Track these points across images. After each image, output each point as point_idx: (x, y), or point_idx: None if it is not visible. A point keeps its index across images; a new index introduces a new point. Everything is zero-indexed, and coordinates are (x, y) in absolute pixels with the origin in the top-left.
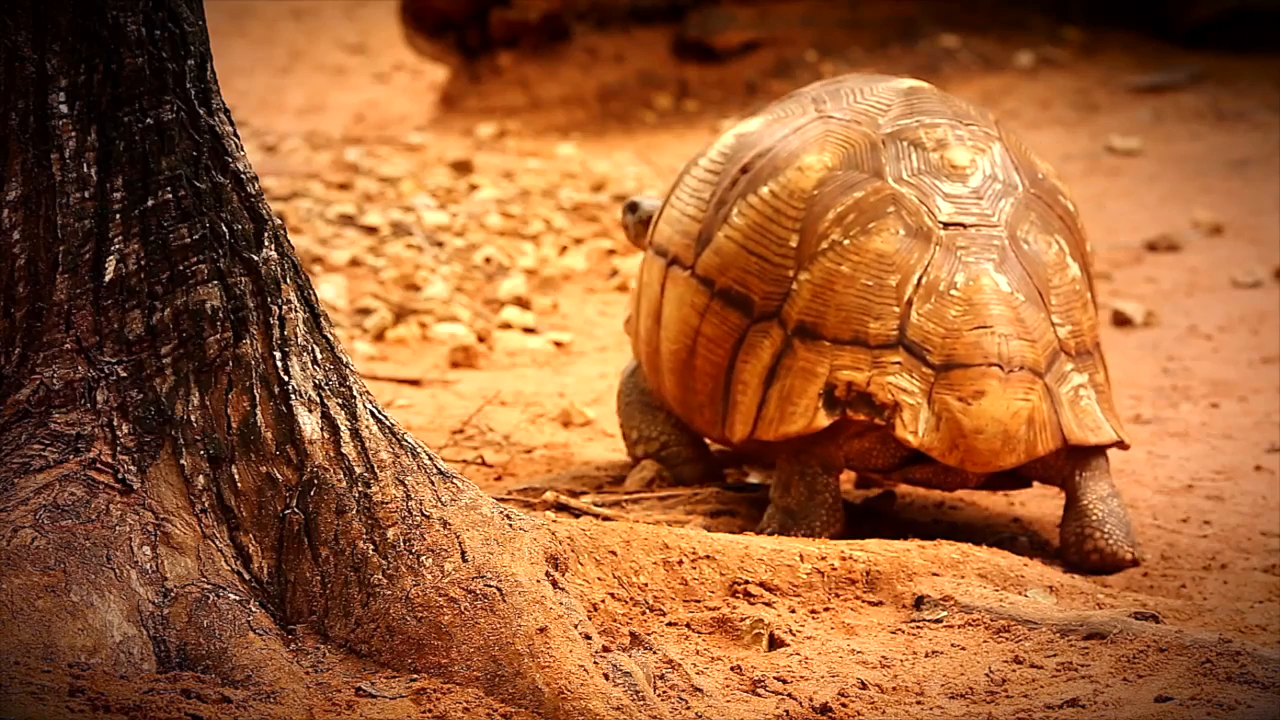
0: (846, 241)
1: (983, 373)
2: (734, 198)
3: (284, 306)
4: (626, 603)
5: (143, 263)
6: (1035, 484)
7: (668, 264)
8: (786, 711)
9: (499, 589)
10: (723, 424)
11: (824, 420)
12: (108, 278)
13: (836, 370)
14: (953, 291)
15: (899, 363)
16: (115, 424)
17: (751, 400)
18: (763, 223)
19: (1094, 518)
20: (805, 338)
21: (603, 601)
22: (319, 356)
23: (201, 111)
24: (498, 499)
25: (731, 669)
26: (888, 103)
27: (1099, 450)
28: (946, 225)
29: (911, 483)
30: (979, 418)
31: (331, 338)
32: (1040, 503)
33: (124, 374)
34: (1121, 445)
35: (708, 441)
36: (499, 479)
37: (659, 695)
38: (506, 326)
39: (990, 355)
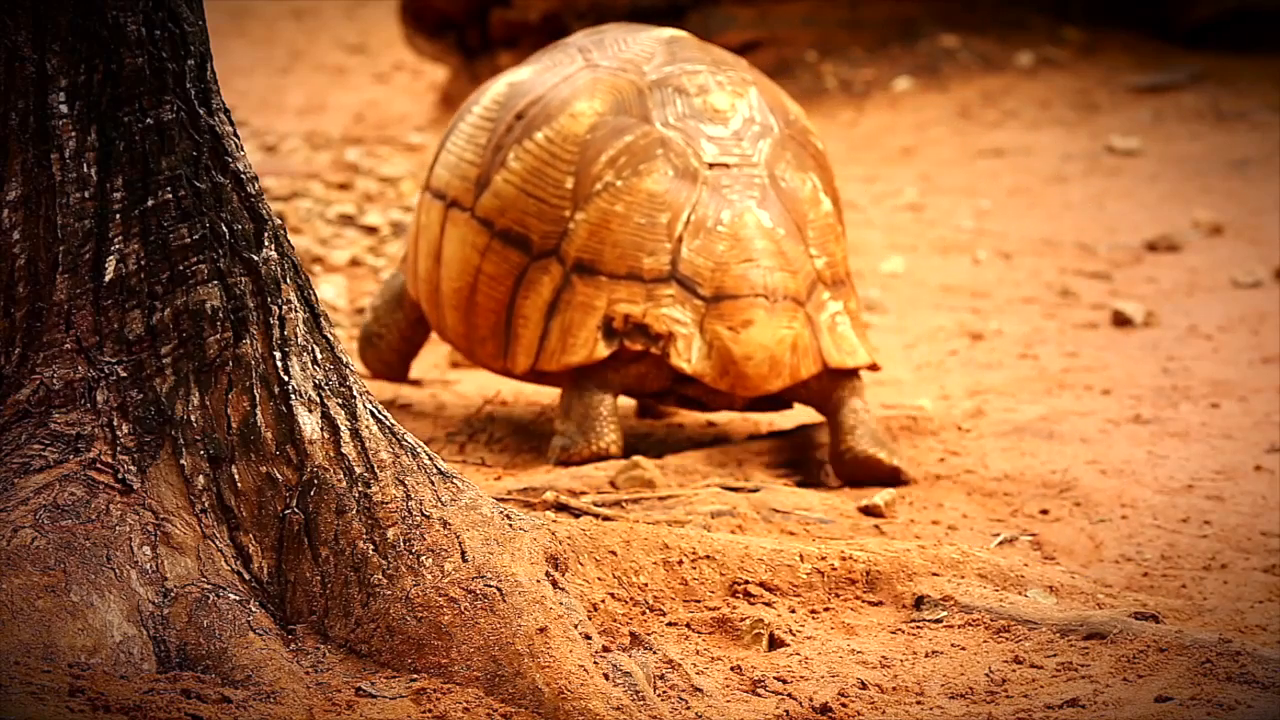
0: (619, 183)
1: (750, 303)
2: (510, 143)
3: (284, 306)
4: (626, 603)
5: (143, 263)
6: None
7: (447, 206)
8: (786, 711)
9: (499, 589)
10: (505, 356)
11: (604, 351)
12: (108, 278)
13: (614, 304)
14: (719, 228)
15: (672, 295)
16: (115, 424)
17: (533, 333)
18: (539, 166)
19: (849, 428)
20: (584, 274)
21: (603, 601)
22: (319, 356)
23: (201, 111)
24: (498, 499)
25: (731, 669)
26: (651, 51)
27: (854, 372)
28: (711, 166)
29: (683, 404)
30: (748, 345)
31: (331, 338)
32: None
33: (124, 374)
34: (873, 367)
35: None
36: (499, 479)
37: (659, 695)
38: None
39: (756, 287)
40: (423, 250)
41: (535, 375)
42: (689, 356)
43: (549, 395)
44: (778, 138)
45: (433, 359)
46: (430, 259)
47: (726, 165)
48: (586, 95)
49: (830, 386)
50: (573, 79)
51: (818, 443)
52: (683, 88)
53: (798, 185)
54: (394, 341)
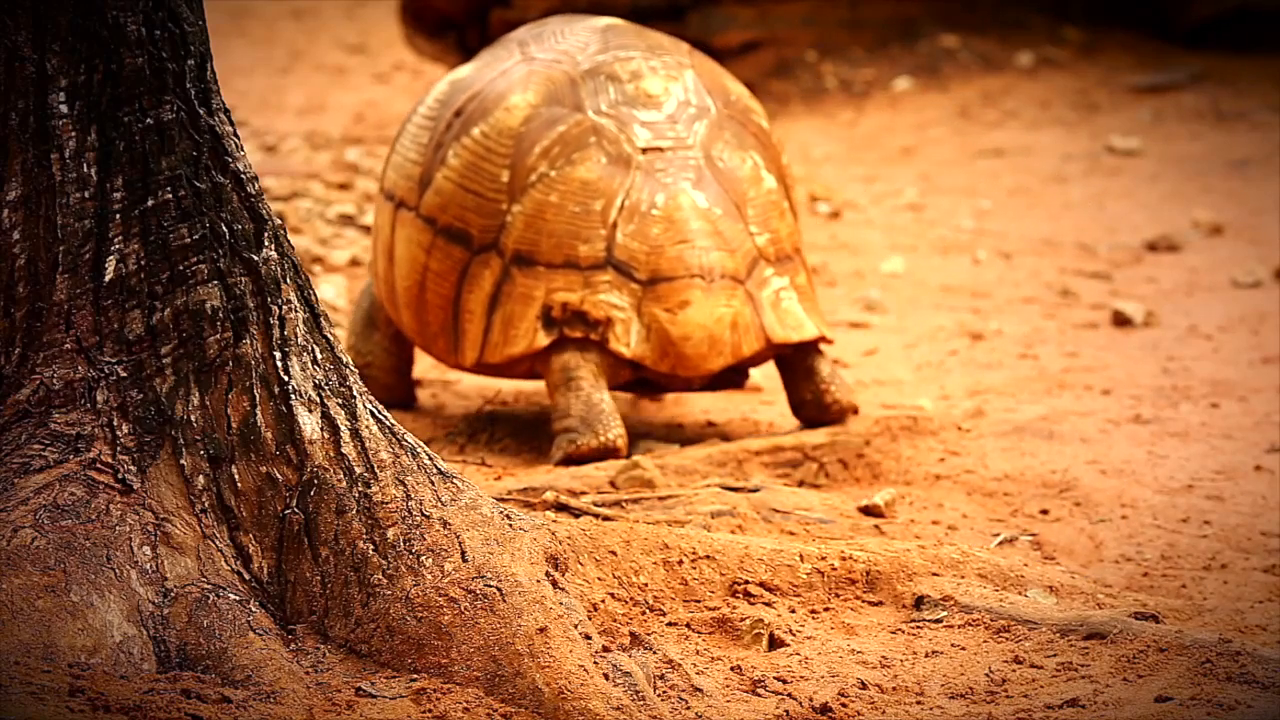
0: (553, 173)
1: (686, 284)
2: (449, 140)
3: (284, 306)
4: (626, 603)
5: (143, 263)
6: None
7: (396, 207)
8: (786, 711)
9: (499, 589)
10: (455, 351)
11: (543, 340)
12: (108, 278)
13: (552, 293)
14: (654, 211)
15: (608, 281)
16: (115, 424)
17: (478, 327)
18: (476, 161)
19: (826, 379)
20: (522, 265)
21: (603, 601)
22: (319, 356)
23: (201, 111)
24: (498, 499)
25: (731, 669)
26: (585, 41)
27: (813, 344)
28: (645, 150)
29: (643, 390)
30: (685, 326)
31: (331, 338)
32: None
33: (124, 374)
34: (823, 340)
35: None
36: (499, 479)
37: (659, 695)
38: None
39: (692, 267)
40: (379, 252)
41: (483, 368)
42: (628, 341)
43: (548, 395)
44: (714, 119)
45: (433, 359)
46: (385, 260)
47: (660, 149)
48: (520, 88)
49: (794, 360)
50: (509, 73)
51: (818, 443)
52: (615, 75)
53: (736, 164)
54: (382, 362)
